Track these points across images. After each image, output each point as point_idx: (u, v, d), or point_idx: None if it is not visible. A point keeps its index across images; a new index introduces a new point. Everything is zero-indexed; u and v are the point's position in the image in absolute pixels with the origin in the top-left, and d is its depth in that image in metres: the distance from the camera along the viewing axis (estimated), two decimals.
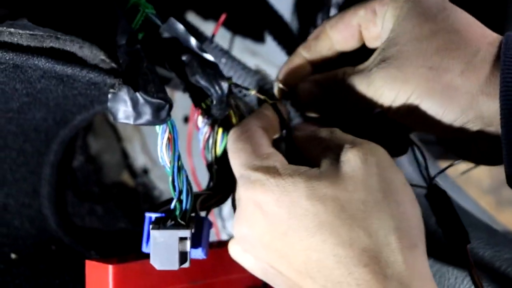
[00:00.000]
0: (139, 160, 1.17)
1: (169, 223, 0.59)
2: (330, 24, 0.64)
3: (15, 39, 0.57)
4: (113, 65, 0.60)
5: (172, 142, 0.59)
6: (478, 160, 0.62)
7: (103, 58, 0.60)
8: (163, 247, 0.57)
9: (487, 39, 0.56)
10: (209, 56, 0.63)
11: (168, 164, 0.59)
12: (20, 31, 0.57)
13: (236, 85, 0.67)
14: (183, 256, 0.58)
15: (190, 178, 1.04)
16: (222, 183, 0.66)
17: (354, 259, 0.49)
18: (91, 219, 1.05)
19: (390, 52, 0.58)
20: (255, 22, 0.99)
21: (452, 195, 0.83)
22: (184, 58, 0.62)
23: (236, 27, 1.00)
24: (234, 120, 0.66)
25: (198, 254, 0.61)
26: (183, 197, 0.60)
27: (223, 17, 0.82)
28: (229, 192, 0.65)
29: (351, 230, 0.50)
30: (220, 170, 0.66)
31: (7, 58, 0.57)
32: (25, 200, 0.89)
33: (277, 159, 0.56)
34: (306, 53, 0.66)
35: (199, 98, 0.64)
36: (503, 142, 0.54)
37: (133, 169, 1.17)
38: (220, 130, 0.66)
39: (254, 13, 0.97)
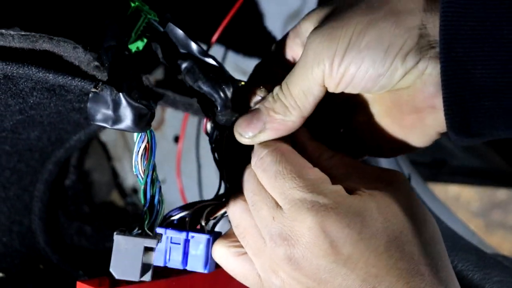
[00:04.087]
0: (129, 179, 1.17)
1: (135, 231, 0.57)
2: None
3: (7, 40, 0.56)
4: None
5: (149, 152, 0.57)
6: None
7: (97, 64, 0.60)
8: (126, 255, 0.55)
9: None
10: (211, 60, 0.61)
11: (142, 174, 0.57)
12: (12, 32, 0.56)
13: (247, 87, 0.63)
14: (145, 268, 0.56)
15: (179, 197, 1.04)
16: (233, 186, 0.64)
17: (413, 271, 0.53)
18: (80, 239, 1.04)
19: (319, 15, 0.59)
20: (247, 42, 1.00)
21: (441, 217, 0.84)
22: (185, 64, 0.61)
23: (228, 46, 1.00)
24: None
25: (199, 267, 0.61)
26: (155, 205, 0.57)
27: (216, 35, 0.82)
28: None
29: (412, 244, 0.54)
30: (230, 170, 0.65)
31: None
32: (16, 217, 0.88)
33: (332, 182, 0.57)
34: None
35: (207, 105, 0.62)
36: (441, 61, 0.52)
37: (123, 189, 1.17)
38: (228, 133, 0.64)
39: (247, 32, 0.97)
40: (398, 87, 0.56)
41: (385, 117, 0.61)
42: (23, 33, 0.56)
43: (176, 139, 1.12)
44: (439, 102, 0.54)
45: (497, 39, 0.50)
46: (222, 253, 0.61)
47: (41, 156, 0.85)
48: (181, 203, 1.03)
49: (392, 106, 0.60)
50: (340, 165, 0.59)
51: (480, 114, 0.52)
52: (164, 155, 1.10)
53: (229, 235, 0.62)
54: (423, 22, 0.53)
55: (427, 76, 0.55)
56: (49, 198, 0.90)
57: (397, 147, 0.61)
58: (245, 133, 0.60)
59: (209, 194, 0.67)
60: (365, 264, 0.53)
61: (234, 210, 0.60)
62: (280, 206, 0.56)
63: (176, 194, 1.05)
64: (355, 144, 0.64)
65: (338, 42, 0.55)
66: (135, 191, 1.17)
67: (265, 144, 0.59)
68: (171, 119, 1.12)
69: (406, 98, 0.58)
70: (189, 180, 1.08)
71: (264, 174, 0.58)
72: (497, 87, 0.51)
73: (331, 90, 0.58)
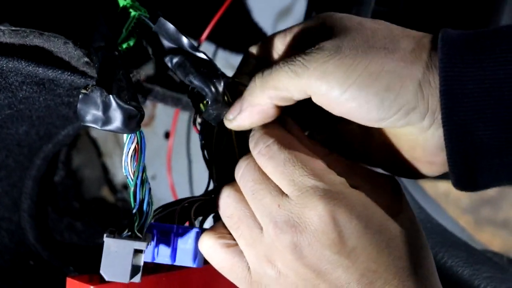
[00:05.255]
0: (119, 175, 1.17)
1: (125, 233, 0.57)
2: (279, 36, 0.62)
3: None
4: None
5: (139, 153, 0.57)
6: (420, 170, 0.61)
7: (87, 60, 0.59)
8: (116, 258, 0.56)
9: (421, 33, 0.57)
10: (202, 55, 0.61)
11: (132, 175, 0.57)
12: (2, 27, 0.56)
13: (238, 83, 0.63)
14: (135, 270, 0.56)
15: (169, 194, 1.04)
16: (222, 183, 0.63)
17: (410, 269, 0.54)
18: (70, 234, 1.04)
19: (332, 43, 0.56)
20: (238, 38, 1.00)
21: (432, 213, 0.84)
22: (176, 58, 0.61)
23: (219, 43, 1.00)
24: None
25: (188, 261, 0.60)
26: (144, 208, 0.57)
27: (207, 31, 0.82)
28: None
29: (409, 245, 0.55)
30: (220, 168, 0.64)
31: None
32: (4, 214, 0.88)
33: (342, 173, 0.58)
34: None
35: (197, 100, 0.62)
36: (444, 122, 0.53)
37: (113, 185, 1.17)
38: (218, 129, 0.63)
39: (237, 28, 0.97)
40: (399, 133, 0.57)
41: (381, 138, 0.60)
42: (13, 28, 0.56)
43: (167, 135, 1.12)
44: (438, 160, 0.56)
45: (497, 100, 0.51)
46: (210, 245, 0.60)
47: (29, 151, 0.85)
48: (172, 200, 1.03)
49: (391, 137, 0.59)
50: (337, 163, 0.59)
51: (485, 171, 0.53)
52: (155, 151, 1.10)
53: (217, 227, 0.61)
54: (430, 82, 0.53)
55: (430, 135, 0.55)
56: (38, 195, 0.89)
57: (390, 163, 0.62)
58: (228, 115, 0.61)
59: (199, 190, 0.67)
60: (366, 258, 0.53)
61: (227, 201, 0.59)
62: (286, 194, 0.56)
63: (166, 190, 1.05)
64: (343, 148, 0.63)
65: (349, 70, 0.54)
66: (125, 187, 1.16)
67: (270, 133, 0.59)
68: (162, 115, 1.12)
69: (406, 147, 0.58)
70: (179, 176, 1.08)
71: (270, 162, 0.57)
72: (499, 145, 0.52)
73: (318, 104, 0.57)
